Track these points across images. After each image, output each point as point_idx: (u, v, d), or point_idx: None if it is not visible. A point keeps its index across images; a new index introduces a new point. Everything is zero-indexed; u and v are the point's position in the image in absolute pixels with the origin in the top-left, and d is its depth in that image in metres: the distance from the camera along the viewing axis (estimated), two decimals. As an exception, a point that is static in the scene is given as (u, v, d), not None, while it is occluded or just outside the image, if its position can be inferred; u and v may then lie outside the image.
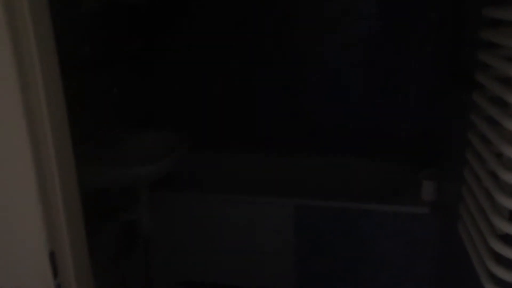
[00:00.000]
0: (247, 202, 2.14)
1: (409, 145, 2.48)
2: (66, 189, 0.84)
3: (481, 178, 1.07)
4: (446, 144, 1.95)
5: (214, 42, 2.59)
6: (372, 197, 2.26)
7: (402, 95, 2.45)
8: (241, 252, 2.21)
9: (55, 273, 0.83)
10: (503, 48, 1.09)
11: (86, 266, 0.92)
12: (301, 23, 2.49)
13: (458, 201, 1.31)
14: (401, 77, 2.43)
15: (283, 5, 2.47)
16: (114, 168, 1.75)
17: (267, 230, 2.15)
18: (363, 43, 2.43)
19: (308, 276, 2.16)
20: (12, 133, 0.75)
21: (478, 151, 1.11)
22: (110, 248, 2.05)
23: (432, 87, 2.34)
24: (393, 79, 2.45)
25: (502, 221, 0.95)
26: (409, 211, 1.95)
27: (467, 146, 1.21)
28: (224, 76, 2.64)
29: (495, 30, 1.09)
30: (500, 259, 0.98)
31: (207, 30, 2.57)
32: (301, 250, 2.13)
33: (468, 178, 1.18)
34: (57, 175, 0.81)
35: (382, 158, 2.49)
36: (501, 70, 1.02)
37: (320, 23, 2.46)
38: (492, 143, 1.03)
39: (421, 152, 2.39)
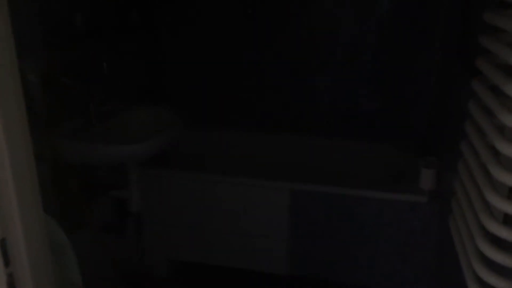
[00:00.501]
0: (242, 184, 2.08)
1: (414, 131, 2.39)
2: (18, 168, 0.78)
3: (474, 173, 0.99)
4: (447, 132, 1.86)
5: (218, 16, 2.50)
6: (372, 183, 2.19)
7: (408, 80, 2.36)
8: (234, 234, 2.16)
9: (7, 261, 0.78)
10: (508, 33, 0.99)
11: (44, 253, 0.87)
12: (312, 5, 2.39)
13: (451, 194, 1.23)
14: (407, 61, 2.33)
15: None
16: (100, 146, 1.70)
17: (261, 212, 2.10)
18: (371, 25, 2.33)
19: (301, 261, 2.11)
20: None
21: (472, 143, 1.03)
22: (99, 225, 2.02)
23: (440, 72, 2.24)
24: (398, 63, 2.35)
25: (493, 223, 0.88)
26: (407, 199, 1.88)
27: (463, 137, 1.13)
28: (226, 52, 2.56)
29: (498, 13, 0.99)
30: (488, 262, 0.91)
31: (212, 3, 2.48)
32: (295, 235, 2.08)
33: (461, 171, 1.10)
34: (6, 149, 0.74)
35: (385, 143, 2.40)
36: (503, 57, 0.93)
37: (330, 7, 2.37)
38: (487, 135, 0.95)
39: (425, 138, 2.31)
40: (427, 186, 1.87)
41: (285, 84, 2.54)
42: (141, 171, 2.04)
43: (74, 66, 1.85)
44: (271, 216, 2.09)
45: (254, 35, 2.49)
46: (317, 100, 2.52)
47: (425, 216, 1.87)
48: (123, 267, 2.11)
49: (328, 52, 2.43)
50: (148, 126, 2.01)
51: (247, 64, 2.55)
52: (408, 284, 2.01)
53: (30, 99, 1.60)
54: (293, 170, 2.53)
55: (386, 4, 2.28)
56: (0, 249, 0.77)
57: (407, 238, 1.92)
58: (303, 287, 2.20)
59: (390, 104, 2.43)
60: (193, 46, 2.58)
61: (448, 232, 1.65)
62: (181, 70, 2.64)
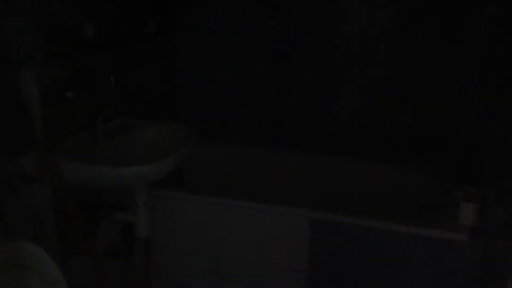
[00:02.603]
0: (258, 211, 1.91)
1: (451, 156, 2.18)
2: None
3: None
4: (492, 160, 1.66)
5: (238, 29, 2.36)
6: (402, 213, 2.00)
7: (446, 97, 2.16)
8: (249, 263, 1.99)
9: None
10: None
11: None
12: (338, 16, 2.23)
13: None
14: (446, 75, 2.14)
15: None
16: (106, 168, 1.54)
17: (279, 241, 1.92)
18: (404, 37, 2.15)
19: (321, 297, 1.92)
20: None
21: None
22: (103, 250, 1.87)
23: (484, 89, 2.03)
24: (435, 78, 2.16)
25: None
26: (444, 236, 1.67)
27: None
28: (246, 65, 2.41)
29: None
30: None
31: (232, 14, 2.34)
32: (315, 267, 1.89)
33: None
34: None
35: (416, 168, 2.20)
36: None
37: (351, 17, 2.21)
38: None
39: (464, 165, 2.09)
40: (467, 222, 1.66)
41: (307, 99, 2.37)
42: (150, 192, 1.88)
43: (81, 78, 1.71)
44: (289, 245, 1.91)
45: (276, 48, 2.33)
46: (342, 117, 2.34)
47: (465, 257, 1.66)
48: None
49: (356, 65, 2.25)
50: (160, 143, 1.86)
51: (267, 78, 2.40)
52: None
53: (28, 114, 1.47)
54: (313, 193, 2.35)
55: (421, 14, 2.10)
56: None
57: (443, 280, 1.71)
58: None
59: (425, 124, 2.23)
60: (211, 58, 2.44)
61: (491, 276, 1.45)
62: (198, 83, 2.50)
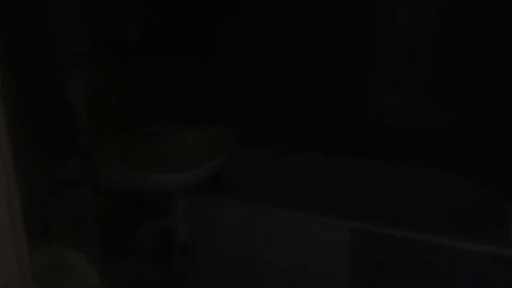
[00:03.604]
0: (296, 218, 1.88)
1: (502, 163, 2.07)
2: None
3: None
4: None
5: (282, 31, 2.33)
6: (447, 224, 1.91)
7: (498, 98, 2.05)
8: (287, 270, 1.96)
9: None
10: None
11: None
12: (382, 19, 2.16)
13: None
14: (500, 74, 2.03)
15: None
16: (146, 174, 1.56)
17: (318, 250, 1.88)
18: (449, 33, 2.06)
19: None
20: None
21: None
22: (143, 254, 1.88)
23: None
24: (487, 77, 2.06)
25: None
26: (493, 252, 1.58)
27: None
28: (288, 68, 2.38)
29: None
30: None
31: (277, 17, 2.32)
32: (355, 278, 1.84)
33: None
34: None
35: (463, 175, 2.10)
36: None
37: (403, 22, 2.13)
38: None
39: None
40: (519, 238, 1.57)
41: (349, 103, 2.31)
42: (190, 197, 1.89)
43: (125, 83, 1.73)
44: (329, 254, 1.86)
45: (319, 51, 2.29)
46: (384, 120, 2.27)
47: (515, 274, 1.57)
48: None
49: (403, 70, 2.18)
50: (201, 147, 1.87)
51: (310, 81, 2.35)
52: None
53: (74, 119, 1.49)
54: (354, 199, 2.29)
55: (467, 13, 2.01)
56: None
57: (491, 297, 1.63)
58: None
59: (472, 127, 2.12)
60: (253, 61, 2.42)
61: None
62: (240, 87, 2.49)
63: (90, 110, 1.50)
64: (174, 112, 2.12)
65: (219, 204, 1.99)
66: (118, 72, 1.70)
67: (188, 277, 2.02)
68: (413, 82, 2.18)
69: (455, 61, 2.08)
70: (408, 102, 2.21)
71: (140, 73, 1.82)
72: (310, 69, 2.33)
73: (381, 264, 1.77)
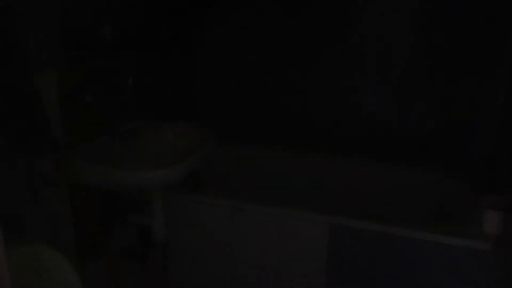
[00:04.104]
0: (275, 214, 1.88)
1: (473, 161, 2.13)
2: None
3: None
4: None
5: (258, 29, 2.33)
6: (422, 219, 1.95)
7: (469, 100, 2.11)
8: (266, 268, 1.96)
9: None
10: None
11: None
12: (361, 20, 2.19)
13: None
14: (470, 78, 2.09)
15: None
16: (123, 172, 1.54)
17: (297, 247, 1.89)
18: (428, 38, 2.10)
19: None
20: None
21: None
22: (121, 252, 1.86)
23: (510, 93, 1.98)
24: (458, 80, 2.11)
25: None
26: (467, 245, 1.62)
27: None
28: (264, 66, 2.38)
29: None
30: None
31: (251, 15, 2.32)
32: (334, 274, 1.86)
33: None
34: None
35: (437, 173, 2.15)
36: None
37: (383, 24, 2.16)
38: None
39: (486, 172, 2.04)
40: (491, 231, 1.61)
41: (328, 102, 2.34)
42: (166, 195, 1.87)
43: (100, 81, 1.70)
44: (308, 251, 1.88)
45: (297, 49, 2.30)
46: (362, 120, 2.30)
47: (488, 266, 1.61)
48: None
49: (379, 68, 2.21)
50: (177, 145, 1.85)
51: (287, 80, 2.37)
52: None
53: (48, 117, 1.46)
54: (332, 196, 2.32)
55: (447, 18, 2.05)
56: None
57: (464, 290, 1.67)
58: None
59: (446, 127, 2.18)
60: (228, 59, 2.42)
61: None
62: (215, 85, 2.49)
63: (65, 108, 1.47)
64: (150, 110, 2.09)
65: (197, 202, 1.98)
66: (93, 70, 1.67)
67: (166, 276, 2.00)
68: (389, 79, 2.21)
69: (430, 58, 2.13)
70: (387, 102, 2.24)
71: (115, 71, 1.79)
72: (286, 66, 2.35)
73: (359, 259, 1.80)
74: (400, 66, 2.18)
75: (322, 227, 1.81)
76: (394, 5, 2.11)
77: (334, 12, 2.20)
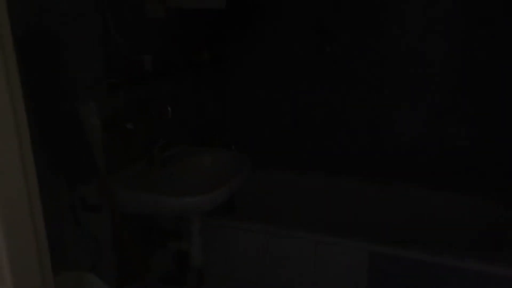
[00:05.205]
0: (311, 240, 1.85)
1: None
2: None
3: None
4: None
5: (292, 54, 2.35)
6: (465, 246, 1.88)
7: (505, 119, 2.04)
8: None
9: None
10: None
11: None
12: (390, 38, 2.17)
13: None
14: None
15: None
16: (163, 198, 1.56)
17: (335, 274, 1.85)
18: (462, 52, 2.06)
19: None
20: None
21: None
22: (159, 277, 1.87)
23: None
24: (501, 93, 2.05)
25: None
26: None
27: None
28: (298, 90, 2.39)
29: None
30: None
31: (285, 39, 2.34)
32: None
33: None
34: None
35: (485, 199, 2.07)
36: None
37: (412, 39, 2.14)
38: None
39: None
40: (542, 261, 1.54)
41: (360, 124, 2.31)
42: (204, 221, 1.88)
43: (140, 108, 1.75)
44: (347, 278, 1.83)
45: (328, 73, 2.30)
46: (396, 141, 2.26)
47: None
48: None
49: (409, 85, 2.18)
50: (215, 171, 1.87)
51: (321, 104, 2.36)
52: None
53: (90, 144, 1.51)
54: (371, 222, 2.27)
55: (484, 38, 2.01)
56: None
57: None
58: None
59: (487, 146, 2.10)
60: (263, 85, 2.44)
61: None
62: (251, 110, 2.51)
63: (106, 135, 1.52)
64: (189, 136, 2.13)
65: (235, 227, 1.98)
66: (133, 98, 1.72)
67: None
68: (423, 102, 2.17)
69: (466, 81, 2.08)
70: (419, 122, 2.20)
71: (155, 98, 1.83)
72: (322, 92, 2.35)
73: (399, 286, 1.74)
74: (439, 89, 2.14)
75: (361, 254, 1.77)
76: (432, 27, 2.09)
77: (371, 33, 2.19)
